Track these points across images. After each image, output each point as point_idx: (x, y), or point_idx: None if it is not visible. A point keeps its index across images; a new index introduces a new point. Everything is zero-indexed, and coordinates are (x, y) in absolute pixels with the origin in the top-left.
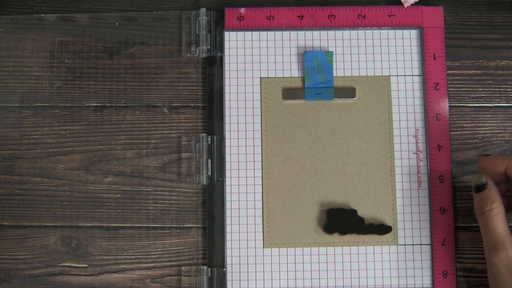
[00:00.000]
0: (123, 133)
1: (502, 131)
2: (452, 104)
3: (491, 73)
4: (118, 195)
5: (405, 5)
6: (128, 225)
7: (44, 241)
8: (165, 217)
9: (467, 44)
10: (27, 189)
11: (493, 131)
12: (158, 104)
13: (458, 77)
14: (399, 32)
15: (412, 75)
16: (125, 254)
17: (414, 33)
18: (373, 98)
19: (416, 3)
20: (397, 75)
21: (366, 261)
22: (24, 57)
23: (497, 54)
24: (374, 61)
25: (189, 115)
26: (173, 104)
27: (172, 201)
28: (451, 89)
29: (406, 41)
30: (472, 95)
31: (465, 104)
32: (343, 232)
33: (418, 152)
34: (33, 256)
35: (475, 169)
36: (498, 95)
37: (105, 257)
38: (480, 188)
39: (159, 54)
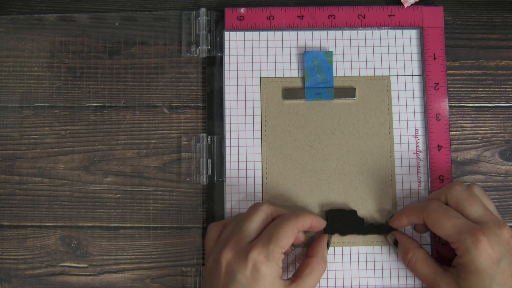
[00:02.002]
0: (123, 133)
1: (502, 131)
2: (452, 104)
3: (491, 73)
4: (118, 195)
5: (405, 5)
6: (128, 225)
7: (44, 241)
8: (165, 217)
9: (467, 44)
10: (27, 189)
11: (493, 131)
12: (158, 104)
13: (458, 77)
14: (399, 32)
15: (412, 75)
16: (125, 254)
17: (414, 33)
18: (373, 98)
19: (416, 3)
20: (397, 75)
21: (366, 261)
22: (24, 57)
23: (497, 54)
24: (374, 61)
25: (189, 115)
26: (173, 104)
27: (172, 201)
28: (451, 89)
29: (406, 41)
30: (472, 95)
31: (465, 104)
32: (343, 232)
33: (418, 152)
34: (33, 256)
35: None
36: (498, 95)
37: (105, 257)
38: (396, 243)
39: (159, 54)
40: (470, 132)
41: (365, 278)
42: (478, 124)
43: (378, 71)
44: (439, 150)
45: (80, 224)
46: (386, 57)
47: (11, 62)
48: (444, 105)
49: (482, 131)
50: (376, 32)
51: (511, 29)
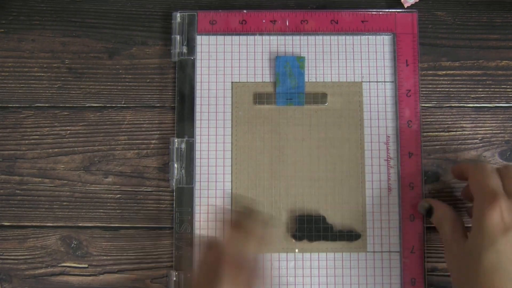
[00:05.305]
0: (123, 133)
1: (502, 131)
2: (452, 104)
3: (491, 73)
4: (119, 195)
5: (405, 5)
6: (128, 225)
7: (45, 241)
8: (165, 217)
9: (467, 44)
10: (28, 189)
11: (493, 131)
12: (158, 105)
13: (458, 77)
14: (372, 38)
15: (385, 82)
16: (125, 254)
17: (387, 39)
18: (344, 104)
19: (411, 6)
20: (369, 81)
21: (335, 268)
22: (24, 57)
23: (497, 54)
24: (346, 67)
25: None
26: (173, 105)
27: (173, 202)
28: (452, 89)
29: (379, 47)
30: (472, 95)
31: (465, 104)
32: (311, 239)
33: (388, 159)
34: (34, 256)
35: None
36: (498, 95)
37: (105, 257)
38: (429, 213)
39: (159, 55)
40: (470, 132)
41: (333, 284)
42: (478, 125)
43: (350, 77)
44: (409, 157)
45: (80, 224)
46: (358, 63)
47: (11, 63)
48: (416, 112)
49: (482, 132)
50: (348, 38)
51: (511, 29)
